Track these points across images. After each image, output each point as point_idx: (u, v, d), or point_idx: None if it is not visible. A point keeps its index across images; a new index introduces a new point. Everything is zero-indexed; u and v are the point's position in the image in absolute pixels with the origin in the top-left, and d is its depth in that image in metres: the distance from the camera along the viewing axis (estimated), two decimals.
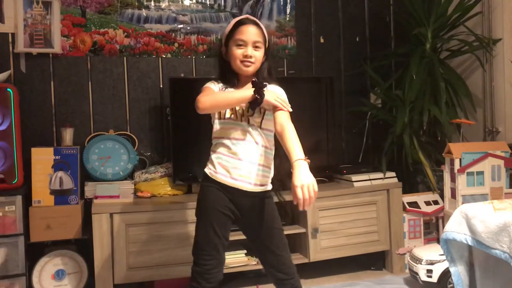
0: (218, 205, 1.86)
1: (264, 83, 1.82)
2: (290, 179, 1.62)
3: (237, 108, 1.87)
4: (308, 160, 1.67)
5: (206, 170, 1.91)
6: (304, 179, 1.60)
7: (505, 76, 3.09)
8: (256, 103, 1.79)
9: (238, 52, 1.86)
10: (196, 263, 1.86)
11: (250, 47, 1.86)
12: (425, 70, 3.08)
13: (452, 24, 3.21)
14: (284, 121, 1.80)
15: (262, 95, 1.77)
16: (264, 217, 1.90)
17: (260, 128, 1.88)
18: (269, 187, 1.93)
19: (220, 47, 1.95)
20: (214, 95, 1.86)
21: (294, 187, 1.60)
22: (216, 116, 1.90)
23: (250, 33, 1.86)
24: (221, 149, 1.87)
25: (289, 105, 1.85)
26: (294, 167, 1.65)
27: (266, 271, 1.96)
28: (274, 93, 1.83)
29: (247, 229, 1.98)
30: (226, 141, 1.86)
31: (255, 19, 1.92)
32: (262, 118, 1.88)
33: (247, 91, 1.80)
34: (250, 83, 1.83)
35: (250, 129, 1.86)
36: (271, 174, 1.93)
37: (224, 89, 1.90)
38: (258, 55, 1.87)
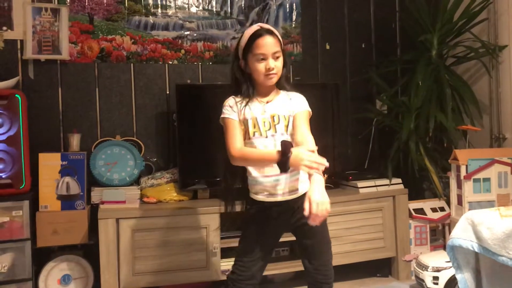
0: (260, 226, 1.90)
1: (288, 144, 1.74)
2: None
3: (260, 123, 1.86)
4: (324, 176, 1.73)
5: (250, 193, 1.94)
6: (321, 197, 1.66)
7: (511, 82, 3.09)
8: (284, 168, 1.75)
9: (260, 66, 1.85)
10: (232, 272, 1.94)
11: (271, 59, 1.85)
12: (431, 76, 3.08)
13: (458, 31, 3.21)
14: (304, 135, 1.84)
15: (287, 158, 1.72)
16: (302, 220, 1.87)
17: (287, 133, 1.89)
18: (305, 189, 1.88)
19: (236, 60, 1.93)
20: (245, 158, 1.83)
21: (311, 201, 1.64)
22: (246, 137, 1.89)
23: (268, 45, 1.84)
24: (252, 169, 1.89)
25: (323, 161, 1.71)
26: (312, 180, 1.69)
27: (306, 274, 1.97)
28: (300, 155, 1.70)
29: (295, 231, 1.98)
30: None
31: (269, 27, 1.90)
32: (287, 123, 1.89)
33: (272, 156, 1.76)
34: (280, 143, 1.76)
35: (273, 140, 1.86)
36: (302, 176, 1.91)
37: (244, 102, 1.88)
38: (279, 65, 1.88)
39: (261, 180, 1.87)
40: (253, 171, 1.88)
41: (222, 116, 1.90)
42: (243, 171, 1.95)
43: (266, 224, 1.91)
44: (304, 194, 1.85)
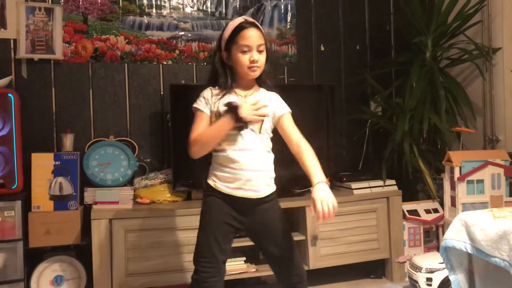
0: (222, 216, 1.85)
1: (232, 102, 1.80)
2: None
3: None
4: (328, 183, 1.76)
5: (210, 181, 1.89)
6: (324, 195, 1.69)
7: (505, 84, 3.10)
8: (241, 126, 1.79)
9: (244, 58, 1.84)
10: (196, 271, 1.85)
11: (255, 51, 1.85)
12: (425, 78, 3.09)
13: (452, 33, 3.22)
14: (299, 139, 1.86)
15: (238, 116, 1.76)
16: (272, 220, 1.90)
17: (260, 133, 1.88)
18: (273, 188, 1.92)
19: (218, 51, 1.92)
20: (200, 138, 1.83)
21: (314, 200, 1.68)
22: None
23: (253, 37, 1.84)
24: (223, 160, 1.85)
25: (264, 110, 1.82)
26: (313, 193, 1.72)
27: (278, 276, 1.95)
28: (247, 107, 1.79)
29: (256, 235, 1.95)
30: (228, 152, 1.84)
31: (253, 20, 1.89)
32: (261, 124, 1.88)
33: (224, 120, 1.79)
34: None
35: (249, 136, 1.86)
36: (274, 175, 1.93)
37: (220, 94, 1.87)
38: (262, 58, 1.87)
39: (236, 171, 1.82)
40: (229, 160, 1.83)
41: (194, 105, 1.88)
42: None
43: (228, 217, 1.86)
44: (270, 195, 1.89)
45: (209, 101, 1.87)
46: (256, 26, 1.87)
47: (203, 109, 1.87)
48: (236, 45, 1.85)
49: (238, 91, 1.90)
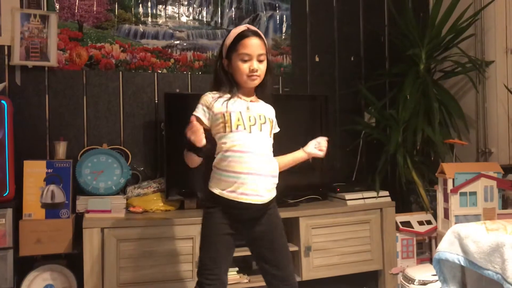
0: (224, 227, 1.84)
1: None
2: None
3: (245, 118, 1.83)
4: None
5: (214, 189, 1.84)
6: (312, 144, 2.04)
7: (498, 97, 3.12)
8: (196, 149, 1.78)
9: (244, 66, 1.83)
10: (200, 284, 1.84)
11: (255, 61, 1.84)
12: (419, 90, 3.11)
13: (445, 46, 3.25)
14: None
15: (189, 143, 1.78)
16: (274, 227, 1.90)
17: (270, 136, 1.90)
18: (274, 193, 1.91)
19: (219, 58, 1.91)
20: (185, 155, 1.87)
21: (312, 148, 2.03)
22: (226, 130, 1.82)
23: (254, 46, 1.83)
24: (227, 164, 1.81)
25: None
26: (307, 149, 2.03)
27: (270, 285, 1.94)
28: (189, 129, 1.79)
29: (256, 241, 1.92)
30: (233, 155, 1.81)
31: (255, 29, 1.89)
32: (272, 127, 1.90)
33: (186, 153, 1.86)
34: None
35: (258, 139, 1.85)
36: (277, 181, 1.92)
37: (222, 99, 1.85)
38: (262, 68, 1.87)
39: (241, 176, 1.80)
40: (233, 165, 1.80)
41: (195, 113, 1.86)
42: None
43: (231, 227, 1.85)
44: (273, 200, 1.90)
45: (208, 110, 1.85)
46: (259, 35, 1.87)
47: (202, 119, 1.85)
48: (237, 53, 1.84)
49: (242, 96, 1.89)
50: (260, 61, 1.85)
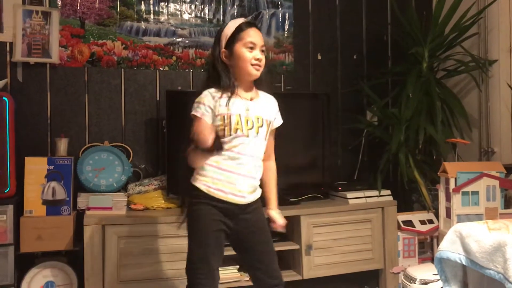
0: (213, 223, 1.82)
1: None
2: None
3: (243, 121, 1.82)
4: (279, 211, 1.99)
5: (200, 185, 1.83)
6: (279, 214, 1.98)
7: (501, 97, 3.11)
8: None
9: (249, 55, 1.82)
10: (190, 282, 1.83)
11: (259, 50, 1.84)
12: (421, 89, 3.10)
13: (448, 44, 3.23)
14: (271, 154, 1.97)
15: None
16: (260, 221, 1.91)
17: (265, 139, 1.89)
18: (259, 193, 1.93)
19: (216, 50, 1.87)
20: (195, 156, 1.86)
21: (279, 226, 1.96)
22: (225, 133, 1.81)
23: (258, 36, 1.85)
24: (219, 163, 1.81)
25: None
26: (273, 212, 1.96)
27: (257, 281, 1.92)
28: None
29: (243, 238, 1.91)
30: (228, 156, 1.81)
31: (254, 22, 1.92)
32: (268, 129, 1.89)
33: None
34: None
35: (254, 143, 1.84)
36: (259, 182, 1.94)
37: (222, 99, 1.81)
38: (264, 60, 1.86)
39: (233, 176, 1.81)
40: (226, 166, 1.81)
41: (194, 113, 1.81)
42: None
43: (218, 224, 1.84)
44: (258, 199, 1.91)
45: (210, 108, 1.80)
46: (259, 28, 1.90)
47: (205, 118, 1.80)
48: (242, 42, 1.82)
49: (241, 93, 1.86)
50: (262, 52, 1.85)
